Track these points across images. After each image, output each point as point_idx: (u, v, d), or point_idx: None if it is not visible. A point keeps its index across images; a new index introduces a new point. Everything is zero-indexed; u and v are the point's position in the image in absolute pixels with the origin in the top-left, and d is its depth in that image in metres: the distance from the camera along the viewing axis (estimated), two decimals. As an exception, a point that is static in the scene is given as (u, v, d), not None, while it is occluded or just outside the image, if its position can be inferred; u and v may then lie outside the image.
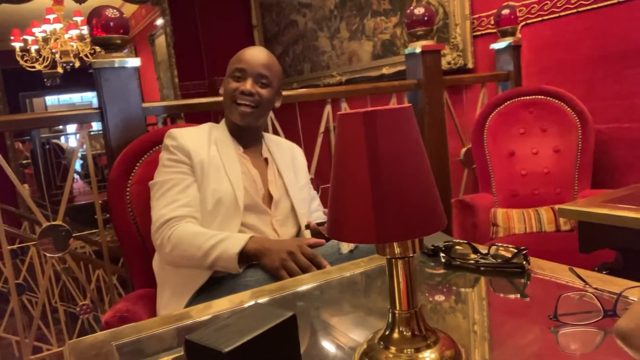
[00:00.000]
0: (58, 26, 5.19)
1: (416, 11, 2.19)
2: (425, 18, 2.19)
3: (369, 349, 0.62)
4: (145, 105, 1.68)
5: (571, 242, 1.44)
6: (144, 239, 1.44)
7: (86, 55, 5.46)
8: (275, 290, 0.96)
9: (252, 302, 0.90)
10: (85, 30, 5.10)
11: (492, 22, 2.48)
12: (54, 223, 1.61)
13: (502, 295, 0.91)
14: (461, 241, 1.00)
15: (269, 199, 1.37)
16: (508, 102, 2.25)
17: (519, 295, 0.89)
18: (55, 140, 7.08)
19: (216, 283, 1.21)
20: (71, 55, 5.44)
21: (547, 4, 2.28)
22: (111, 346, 0.76)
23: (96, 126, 3.32)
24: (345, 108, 2.15)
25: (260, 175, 1.37)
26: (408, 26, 2.24)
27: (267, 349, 0.54)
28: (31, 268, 3.37)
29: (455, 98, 2.57)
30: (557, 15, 2.25)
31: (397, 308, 0.61)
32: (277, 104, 1.47)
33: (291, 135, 1.80)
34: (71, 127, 8.08)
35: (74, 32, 5.35)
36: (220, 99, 1.44)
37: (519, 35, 2.44)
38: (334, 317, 0.87)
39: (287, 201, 1.39)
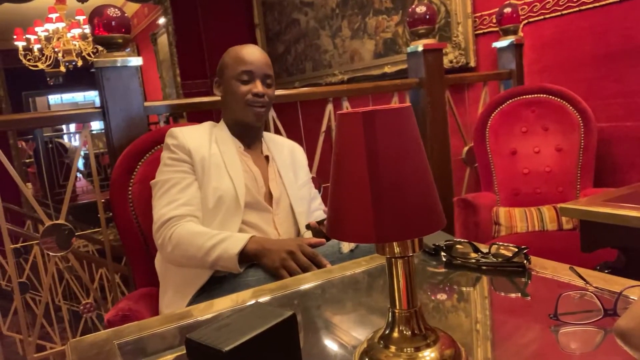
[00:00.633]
0: (60, 25, 5.20)
1: (418, 10, 2.18)
2: (427, 16, 2.18)
3: (369, 347, 0.63)
4: (147, 104, 1.68)
5: (573, 241, 1.44)
6: (146, 237, 1.44)
7: (89, 54, 5.47)
8: (276, 289, 0.96)
9: (253, 301, 0.90)
10: (87, 29, 5.11)
11: (494, 20, 2.48)
12: (56, 222, 1.61)
13: (502, 294, 0.91)
14: (462, 240, 1.00)
15: (270, 196, 1.37)
16: (510, 100, 2.24)
17: (519, 294, 0.89)
18: (58, 139, 7.10)
19: (218, 282, 1.22)
20: (74, 54, 5.45)
21: (549, 2, 2.28)
22: (113, 345, 0.76)
23: (99, 125, 3.33)
24: (346, 107, 2.15)
25: (261, 173, 1.38)
26: (410, 25, 2.24)
27: (267, 348, 0.55)
28: (34, 267, 3.39)
29: (457, 97, 2.56)
30: (559, 13, 2.25)
31: (397, 307, 0.61)
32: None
33: (293, 134, 1.80)
34: (74, 126, 8.09)
35: (76, 31, 5.36)
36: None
37: (521, 33, 2.43)
38: (335, 315, 0.87)
39: (287, 200, 1.39)
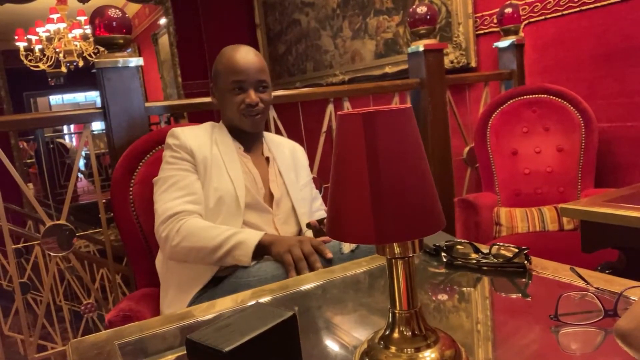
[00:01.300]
0: (62, 26, 5.21)
1: (419, 10, 2.18)
2: (428, 17, 2.18)
3: (369, 348, 0.63)
4: (148, 104, 1.68)
5: (574, 241, 1.44)
6: (147, 238, 1.45)
7: (90, 55, 5.48)
8: (277, 289, 0.96)
9: (253, 302, 0.90)
10: (88, 29, 5.12)
11: (495, 20, 2.48)
12: (57, 222, 1.61)
13: (503, 294, 0.91)
14: (463, 241, 1.00)
15: (270, 198, 1.37)
16: (511, 100, 2.24)
17: (520, 295, 0.89)
18: (59, 140, 7.11)
19: (218, 282, 1.22)
20: (75, 54, 5.46)
21: (550, 2, 2.28)
22: (114, 345, 0.77)
23: (100, 125, 3.33)
24: (347, 107, 2.15)
25: (261, 174, 1.38)
26: (410, 25, 2.24)
27: (267, 349, 0.55)
28: (36, 267, 3.39)
29: (458, 97, 2.56)
30: (560, 13, 2.24)
31: (397, 308, 0.61)
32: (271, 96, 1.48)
33: (294, 134, 1.80)
34: (74, 126, 8.10)
35: (77, 32, 5.37)
36: None
37: (521, 33, 2.43)
38: (336, 316, 0.87)
39: (288, 200, 1.39)
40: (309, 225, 1.33)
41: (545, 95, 2.18)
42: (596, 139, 2.05)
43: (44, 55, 5.63)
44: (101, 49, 1.62)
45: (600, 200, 1.39)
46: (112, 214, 1.49)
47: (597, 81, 2.16)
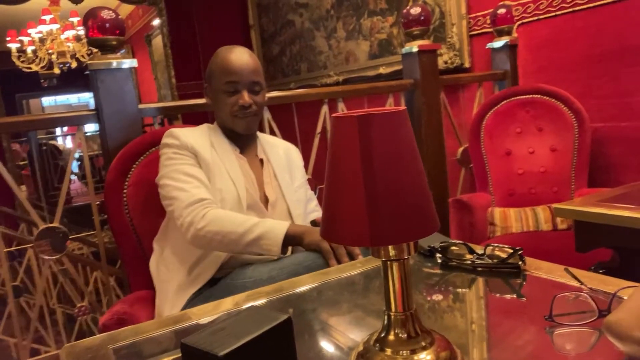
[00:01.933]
0: (54, 27, 5.18)
1: (412, 11, 2.19)
2: (422, 18, 2.19)
3: (365, 350, 0.63)
4: (141, 106, 1.68)
5: (568, 241, 1.45)
6: (141, 240, 1.44)
7: (83, 56, 5.45)
8: (272, 292, 0.96)
9: (249, 304, 0.90)
10: (81, 30, 5.09)
11: (489, 21, 2.49)
12: (50, 225, 1.60)
13: (498, 295, 0.91)
14: (457, 242, 1.00)
15: (264, 200, 1.37)
16: (505, 101, 2.25)
17: (514, 296, 0.89)
18: (52, 142, 7.07)
19: (214, 285, 1.21)
20: (68, 55, 5.43)
21: (542, 3, 2.29)
22: (108, 349, 0.76)
23: (93, 127, 3.31)
24: (342, 108, 2.15)
25: (255, 177, 1.38)
26: (404, 26, 2.24)
27: (262, 352, 0.55)
28: (29, 270, 3.37)
29: (452, 97, 2.57)
30: (553, 14, 2.26)
31: (393, 310, 0.61)
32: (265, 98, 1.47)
33: (288, 136, 1.80)
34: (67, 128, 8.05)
35: (70, 33, 5.34)
36: None
37: (515, 34, 2.44)
38: (331, 318, 0.87)
39: (284, 202, 1.39)
40: (314, 223, 1.33)
41: (539, 96, 2.19)
42: (589, 139, 2.06)
43: (37, 56, 5.60)
44: (94, 50, 1.61)
45: (594, 200, 1.40)
46: (105, 216, 1.49)
47: (590, 81, 2.18)
